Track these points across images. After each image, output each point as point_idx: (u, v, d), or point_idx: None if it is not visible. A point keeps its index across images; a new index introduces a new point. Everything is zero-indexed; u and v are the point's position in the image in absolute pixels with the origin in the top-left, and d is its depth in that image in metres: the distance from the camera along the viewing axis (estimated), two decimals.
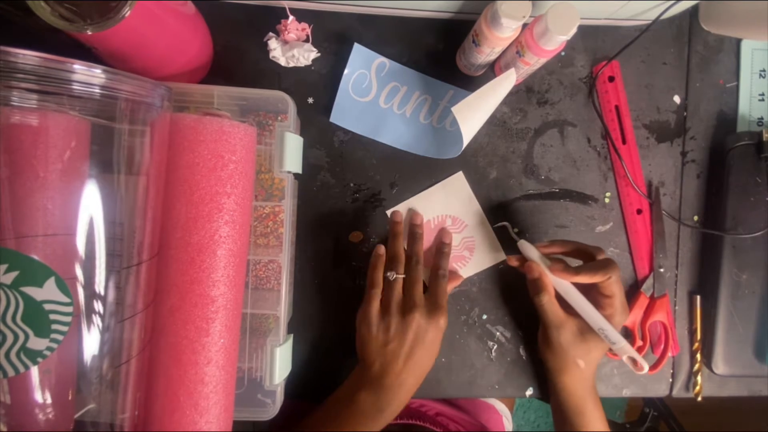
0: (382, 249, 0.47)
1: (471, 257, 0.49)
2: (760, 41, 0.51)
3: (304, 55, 0.44)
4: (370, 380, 0.42)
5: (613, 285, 0.41)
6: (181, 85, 0.37)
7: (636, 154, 0.50)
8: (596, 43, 0.50)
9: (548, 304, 0.43)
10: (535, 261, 0.44)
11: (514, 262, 0.46)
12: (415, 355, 0.42)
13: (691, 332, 0.51)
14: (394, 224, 0.47)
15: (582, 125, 0.50)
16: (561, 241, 0.46)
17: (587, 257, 0.44)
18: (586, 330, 0.43)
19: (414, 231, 0.47)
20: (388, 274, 0.44)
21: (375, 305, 0.44)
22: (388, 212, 0.48)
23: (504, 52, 0.44)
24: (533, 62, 0.42)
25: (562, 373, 0.45)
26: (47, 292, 0.26)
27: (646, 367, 0.42)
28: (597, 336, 0.42)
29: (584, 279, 0.41)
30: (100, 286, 0.29)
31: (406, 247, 0.47)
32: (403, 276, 0.44)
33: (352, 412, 0.42)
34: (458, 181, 0.49)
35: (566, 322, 0.43)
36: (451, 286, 0.47)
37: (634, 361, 0.42)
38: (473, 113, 0.43)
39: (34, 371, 0.26)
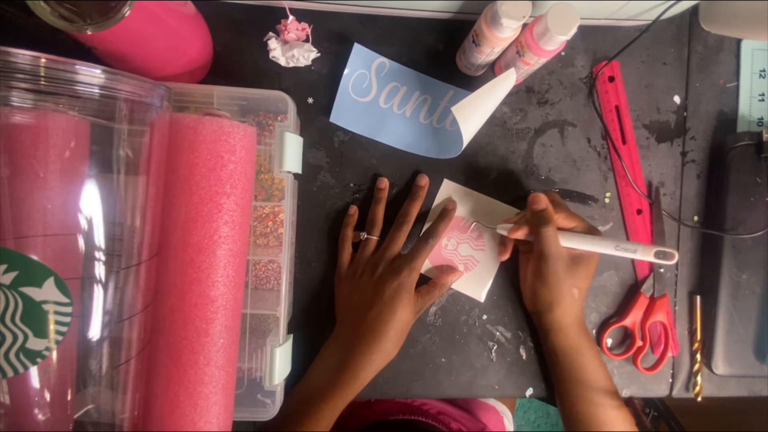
0: (353, 209, 0.48)
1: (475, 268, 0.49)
2: (760, 41, 0.51)
3: (304, 55, 0.44)
4: (335, 336, 0.45)
5: (559, 199, 0.45)
6: (181, 85, 0.37)
7: (636, 154, 0.50)
8: (596, 43, 0.50)
9: (553, 234, 0.42)
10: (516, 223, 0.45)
11: (505, 255, 0.47)
12: (372, 310, 0.43)
13: (691, 332, 0.51)
14: (377, 190, 0.48)
15: (582, 125, 0.50)
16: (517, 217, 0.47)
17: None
18: (575, 257, 0.44)
19: (414, 191, 0.48)
20: (361, 234, 0.46)
21: (341, 265, 0.47)
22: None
23: (504, 52, 0.44)
24: (533, 62, 0.42)
25: (555, 306, 0.44)
26: (46, 292, 0.26)
27: (676, 254, 0.41)
28: (583, 262, 0.43)
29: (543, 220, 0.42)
30: (99, 287, 0.29)
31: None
32: (375, 238, 0.46)
33: (318, 367, 0.44)
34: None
35: (562, 252, 0.43)
36: (450, 280, 0.47)
37: (665, 254, 0.41)
38: (473, 113, 0.43)
39: (34, 371, 0.26)
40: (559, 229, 0.44)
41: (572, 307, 0.44)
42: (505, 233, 0.46)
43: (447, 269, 0.49)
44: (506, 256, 0.48)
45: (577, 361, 0.44)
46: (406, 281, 0.43)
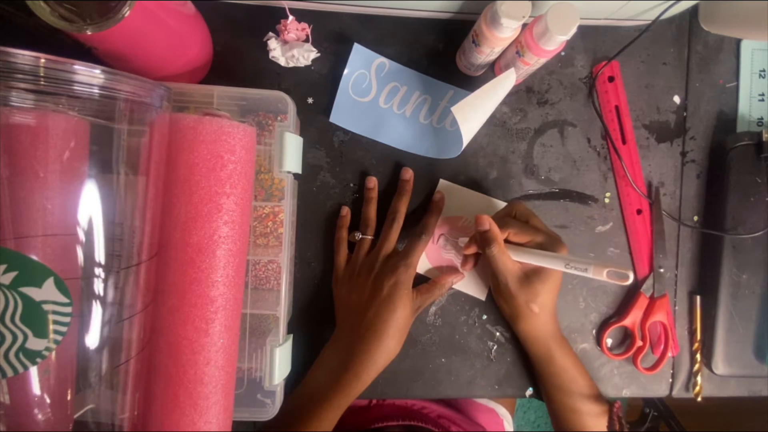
0: (345, 210, 0.48)
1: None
2: (760, 41, 0.51)
3: (304, 55, 0.44)
4: (335, 338, 0.45)
5: (524, 211, 0.44)
6: (181, 85, 0.37)
7: (636, 154, 0.50)
8: (596, 43, 0.50)
9: (499, 254, 0.42)
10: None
11: (467, 266, 0.47)
12: (371, 309, 0.43)
13: (691, 332, 0.51)
14: (367, 190, 0.48)
15: (582, 125, 0.50)
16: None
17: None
18: (530, 273, 0.43)
19: (400, 186, 0.48)
20: (356, 234, 0.46)
21: (338, 266, 0.47)
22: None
23: (504, 52, 0.44)
24: (533, 62, 0.42)
25: (519, 320, 0.45)
26: (46, 292, 0.26)
27: (631, 275, 0.37)
28: (539, 277, 0.43)
29: (494, 228, 0.42)
30: (99, 287, 0.29)
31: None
32: (369, 237, 0.46)
33: (319, 368, 0.44)
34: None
35: (512, 269, 0.43)
36: (450, 280, 0.47)
37: (617, 274, 0.38)
38: (473, 113, 0.43)
39: (33, 371, 0.26)
40: (513, 243, 0.44)
41: (536, 320, 0.44)
42: (461, 245, 0.47)
43: (447, 269, 0.49)
44: (468, 267, 0.47)
45: (550, 370, 0.45)
46: (403, 278, 0.43)
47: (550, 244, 0.42)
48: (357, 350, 0.42)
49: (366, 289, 0.44)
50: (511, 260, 0.43)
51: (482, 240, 0.42)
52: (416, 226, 0.46)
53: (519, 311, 0.44)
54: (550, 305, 0.44)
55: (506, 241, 0.43)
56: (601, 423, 0.44)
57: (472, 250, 0.46)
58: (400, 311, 0.43)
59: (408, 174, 0.48)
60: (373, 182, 0.48)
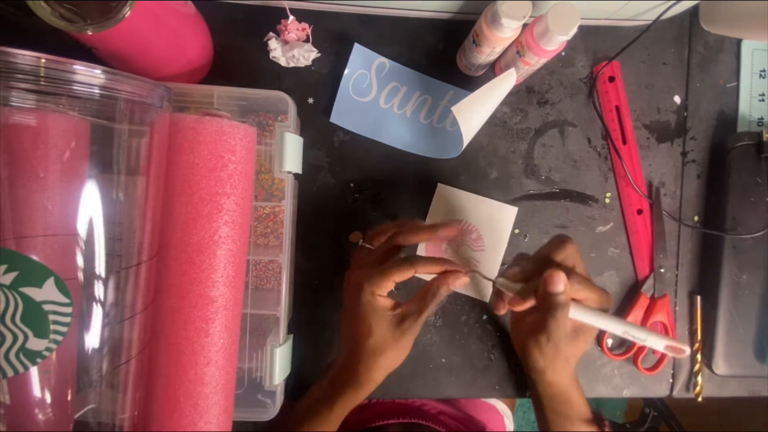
0: (356, 236, 0.45)
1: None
2: (760, 41, 0.51)
3: (304, 56, 0.44)
4: (333, 367, 0.41)
5: (574, 255, 0.39)
6: (181, 85, 0.37)
7: (636, 154, 0.50)
8: (596, 43, 0.50)
9: (565, 319, 0.37)
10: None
11: (501, 310, 0.42)
12: (353, 352, 0.38)
13: (692, 332, 0.51)
14: (405, 220, 0.42)
15: (582, 125, 0.50)
16: (523, 260, 0.41)
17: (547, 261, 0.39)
18: (577, 329, 0.39)
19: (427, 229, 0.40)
20: (359, 241, 0.42)
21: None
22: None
23: (504, 52, 0.43)
24: (533, 62, 0.42)
25: (548, 371, 0.41)
26: (46, 292, 0.26)
27: (687, 350, 0.36)
28: (584, 335, 0.39)
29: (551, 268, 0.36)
30: (99, 287, 0.29)
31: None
32: (369, 246, 0.41)
33: (309, 392, 0.41)
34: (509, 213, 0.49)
35: (567, 329, 0.38)
36: (446, 286, 0.38)
37: (675, 349, 0.36)
38: (473, 113, 0.43)
39: (34, 372, 0.26)
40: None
41: (565, 370, 0.41)
42: (507, 292, 0.39)
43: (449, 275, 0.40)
44: (503, 312, 0.43)
45: (567, 412, 0.43)
46: (365, 297, 0.37)
47: (604, 300, 0.38)
48: (351, 367, 0.39)
49: (351, 318, 0.39)
50: (568, 322, 0.37)
51: (549, 302, 0.36)
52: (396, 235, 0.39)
53: (555, 364, 0.40)
54: (581, 355, 0.42)
55: None
56: None
57: (527, 305, 0.38)
58: (356, 318, 0.38)
59: (449, 232, 0.39)
60: (450, 225, 0.39)
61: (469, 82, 0.48)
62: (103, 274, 0.29)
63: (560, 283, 0.35)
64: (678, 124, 0.51)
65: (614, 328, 0.37)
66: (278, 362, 0.38)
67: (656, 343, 0.36)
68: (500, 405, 0.70)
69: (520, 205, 0.49)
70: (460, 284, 0.38)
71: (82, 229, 0.27)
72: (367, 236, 0.42)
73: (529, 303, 0.37)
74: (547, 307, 0.37)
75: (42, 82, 0.25)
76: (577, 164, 0.50)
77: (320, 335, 0.48)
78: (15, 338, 0.26)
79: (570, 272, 0.37)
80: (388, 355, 0.38)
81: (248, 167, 0.35)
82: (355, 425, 0.58)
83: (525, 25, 0.39)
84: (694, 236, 0.51)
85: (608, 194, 0.50)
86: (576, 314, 0.37)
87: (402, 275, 0.37)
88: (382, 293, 0.37)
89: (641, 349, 0.49)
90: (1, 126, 0.25)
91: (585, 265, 0.40)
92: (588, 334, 0.40)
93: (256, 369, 0.41)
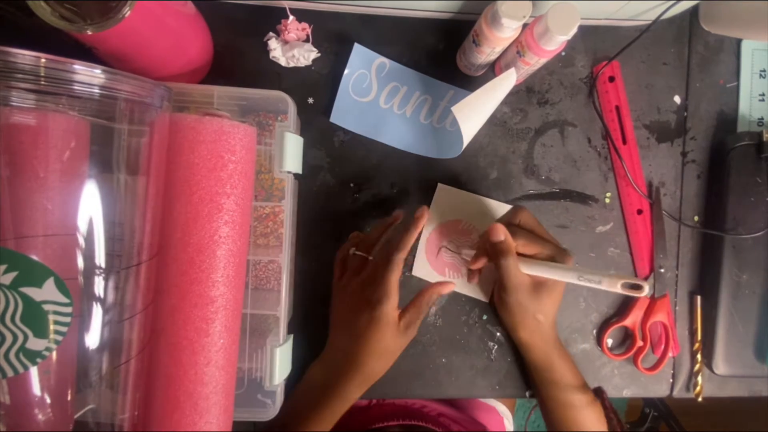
0: (355, 233, 0.47)
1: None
2: (760, 41, 0.51)
3: (305, 55, 0.44)
4: (324, 354, 0.45)
5: (529, 220, 0.43)
6: (181, 85, 0.37)
7: (636, 154, 0.50)
8: (596, 43, 0.50)
9: (512, 266, 0.41)
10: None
11: (474, 279, 0.47)
12: (352, 344, 0.42)
13: (692, 332, 0.51)
14: (390, 218, 0.45)
15: (582, 125, 0.50)
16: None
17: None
18: (538, 285, 0.43)
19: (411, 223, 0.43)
20: (351, 249, 0.45)
21: (335, 280, 0.46)
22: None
23: (504, 52, 0.44)
24: (533, 62, 0.42)
25: (521, 329, 0.45)
26: (46, 292, 0.26)
27: (646, 286, 0.37)
28: (546, 289, 0.42)
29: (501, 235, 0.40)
30: (99, 287, 0.29)
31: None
32: (361, 254, 0.43)
33: (306, 383, 0.44)
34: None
35: (523, 282, 0.42)
36: (433, 296, 0.43)
37: (632, 285, 0.37)
38: (473, 113, 0.43)
39: (34, 372, 0.26)
40: (522, 255, 0.42)
41: (538, 329, 0.44)
42: (468, 258, 0.45)
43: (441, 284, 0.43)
44: (475, 281, 0.48)
45: (549, 375, 0.45)
46: (380, 313, 0.40)
47: (559, 255, 0.41)
48: (339, 379, 0.42)
49: (349, 317, 0.42)
50: (522, 272, 0.42)
51: (495, 251, 0.41)
52: (388, 244, 0.41)
53: (524, 321, 0.44)
54: (553, 314, 0.45)
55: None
56: (593, 411, 0.45)
57: (481, 263, 0.44)
58: (382, 346, 0.41)
59: (420, 211, 0.42)
60: (421, 212, 0.42)
61: (469, 82, 0.48)
62: (103, 274, 0.29)
63: (500, 233, 0.40)
64: (678, 124, 0.51)
65: (567, 276, 0.40)
66: (278, 362, 0.38)
67: (611, 284, 0.38)
68: (500, 406, 0.70)
69: (520, 204, 0.49)
70: (448, 291, 0.43)
71: (82, 229, 0.27)
72: (359, 244, 0.44)
73: (482, 260, 0.44)
74: (494, 257, 0.41)
75: (42, 82, 0.25)
76: (577, 164, 0.50)
77: (320, 335, 0.47)
78: (15, 338, 0.25)
79: (517, 230, 0.42)
80: (392, 359, 0.43)
81: (248, 167, 0.35)
82: (356, 427, 0.58)
83: (525, 25, 0.39)
84: (694, 236, 0.51)
85: (608, 194, 0.50)
86: (528, 269, 0.42)
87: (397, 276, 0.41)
88: (397, 305, 0.41)
89: (641, 349, 0.49)
90: (1, 126, 0.25)
91: (544, 229, 0.44)
92: (552, 290, 0.43)
93: (256, 369, 0.41)
